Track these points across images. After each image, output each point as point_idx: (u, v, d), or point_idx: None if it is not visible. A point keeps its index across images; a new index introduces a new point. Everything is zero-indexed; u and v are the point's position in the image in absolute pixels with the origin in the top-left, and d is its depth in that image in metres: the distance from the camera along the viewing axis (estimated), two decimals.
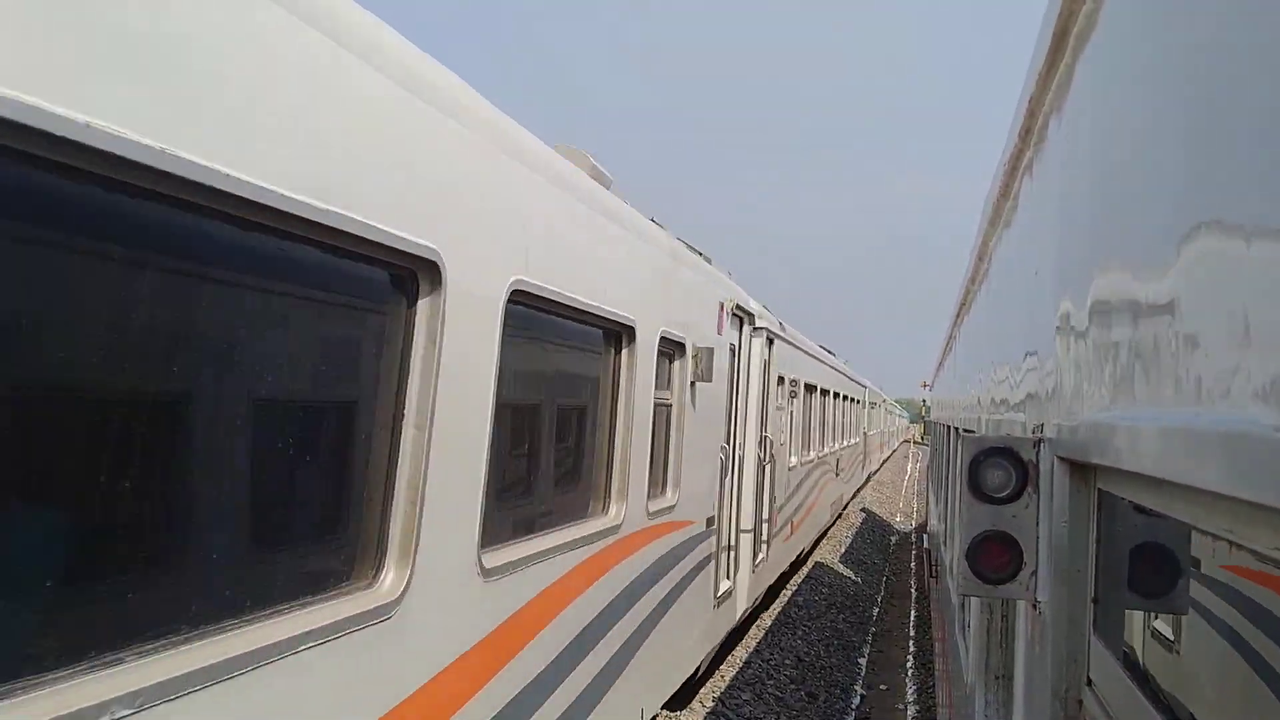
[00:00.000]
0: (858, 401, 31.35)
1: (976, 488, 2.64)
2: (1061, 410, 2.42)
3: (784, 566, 15.96)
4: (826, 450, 21.60)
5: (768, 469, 12.54)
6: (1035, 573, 2.60)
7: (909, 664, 14.35)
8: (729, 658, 12.50)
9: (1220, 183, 1.30)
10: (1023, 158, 3.52)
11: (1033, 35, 2.91)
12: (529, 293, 4.59)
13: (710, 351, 8.40)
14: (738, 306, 10.37)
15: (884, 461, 54.02)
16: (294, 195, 2.86)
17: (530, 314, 4.80)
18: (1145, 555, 2.23)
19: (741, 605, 11.71)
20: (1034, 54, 2.88)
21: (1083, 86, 2.40)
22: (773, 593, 15.65)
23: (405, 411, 3.67)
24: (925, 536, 19.74)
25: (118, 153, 2.27)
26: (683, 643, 8.70)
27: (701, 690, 11.03)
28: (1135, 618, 2.23)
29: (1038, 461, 2.61)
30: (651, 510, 7.13)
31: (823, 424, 20.92)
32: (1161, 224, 1.57)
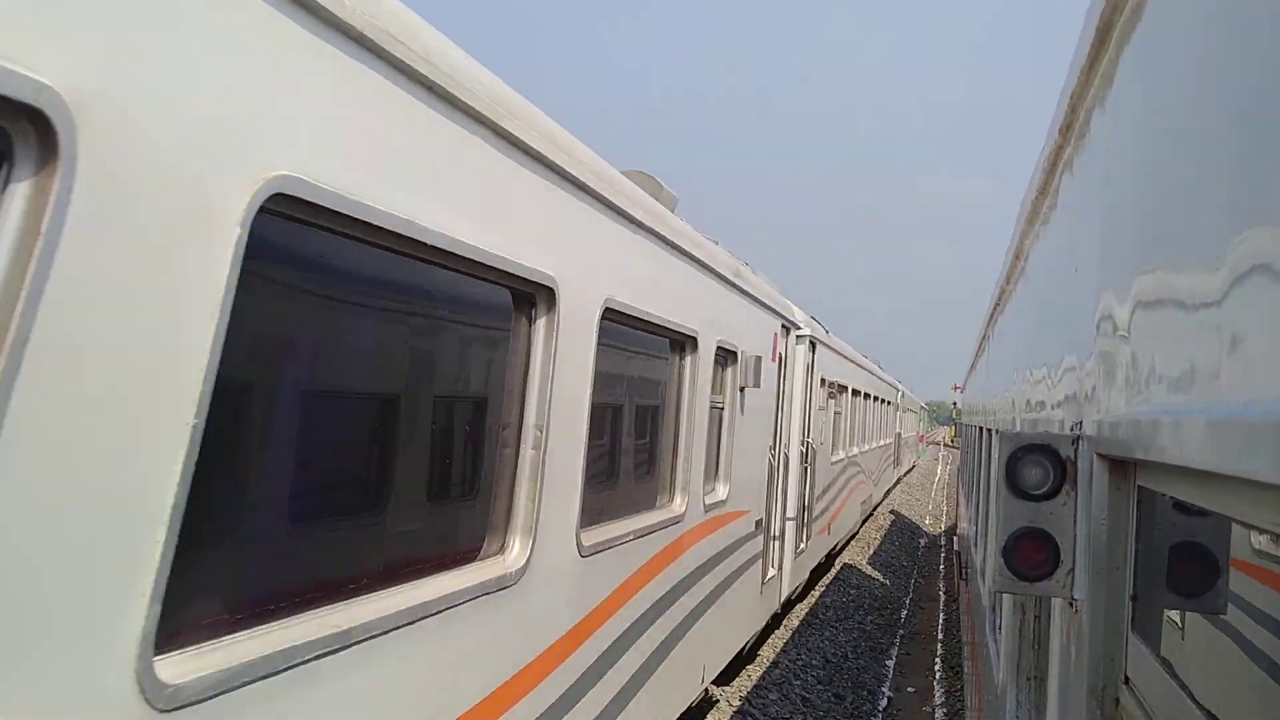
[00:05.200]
0: (890, 403, 32.67)
1: (1014, 484, 2.63)
2: (1101, 407, 2.40)
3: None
4: (863, 449, 22.87)
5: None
6: (1072, 570, 2.58)
7: (937, 667, 14.26)
8: (756, 658, 12.48)
9: (1268, 176, 1.29)
10: (1063, 154, 3.50)
11: (1070, 30, 2.89)
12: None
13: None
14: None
15: (913, 465, 54.00)
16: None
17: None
18: (1184, 554, 2.22)
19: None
20: (1076, 49, 2.86)
21: (1126, 81, 2.38)
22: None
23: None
24: (955, 539, 19.61)
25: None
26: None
27: (727, 689, 11.02)
28: (1173, 616, 2.21)
29: (1076, 458, 2.59)
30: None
31: (860, 424, 22.28)
32: (1208, 217, 1.56)
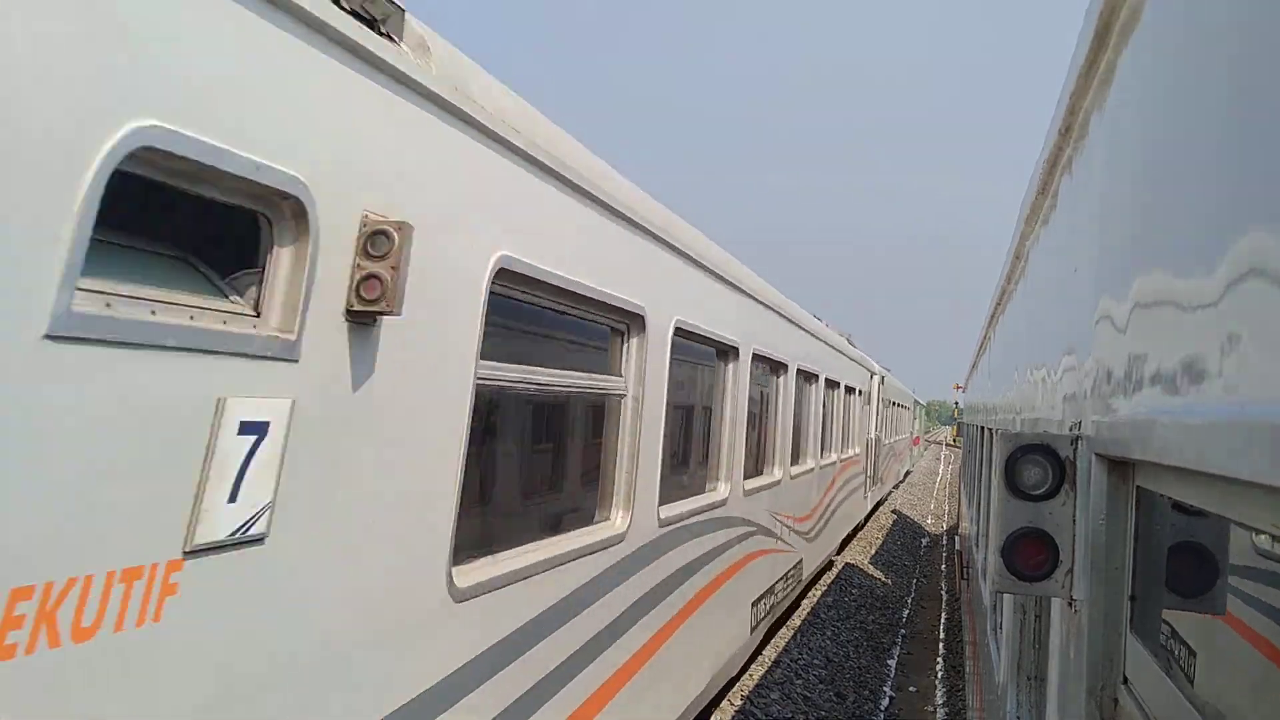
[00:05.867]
0: (907, 408, 43.78)
1: (1013, 484, 2.64)
2: (1100, 407, 2.40)
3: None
4: (895, 438, 34.09)
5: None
6: (1071, 570, 2.59)
7: (939, 666, 14.25)
8: (759, 657, 12.49)
9: (1266, 177, 1.30)
10: (1062, 155, 3.50)
11: (1068, 32, 2.89)
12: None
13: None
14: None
15: (907, 472, 54.16)
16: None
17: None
18: (1183, 554, 2.22)
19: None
20: (1075, 50, 2.86)
21: (1126, 82, 2.39)
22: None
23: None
24: (957, 539, 19.62)
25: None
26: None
27: (730, 690, 11.02)
28: (1172, 616, 2.21)
29: (1075, 458, 2.60)
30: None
31: (896, 422, 34.10)
32: (1206, 218, 1.57)
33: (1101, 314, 2.48)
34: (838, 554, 19.99)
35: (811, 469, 13.73)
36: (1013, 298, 6.79)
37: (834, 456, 15.98)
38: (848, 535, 20.81)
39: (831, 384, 15.19)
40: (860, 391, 19.56)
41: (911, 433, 48.94)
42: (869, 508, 24.69)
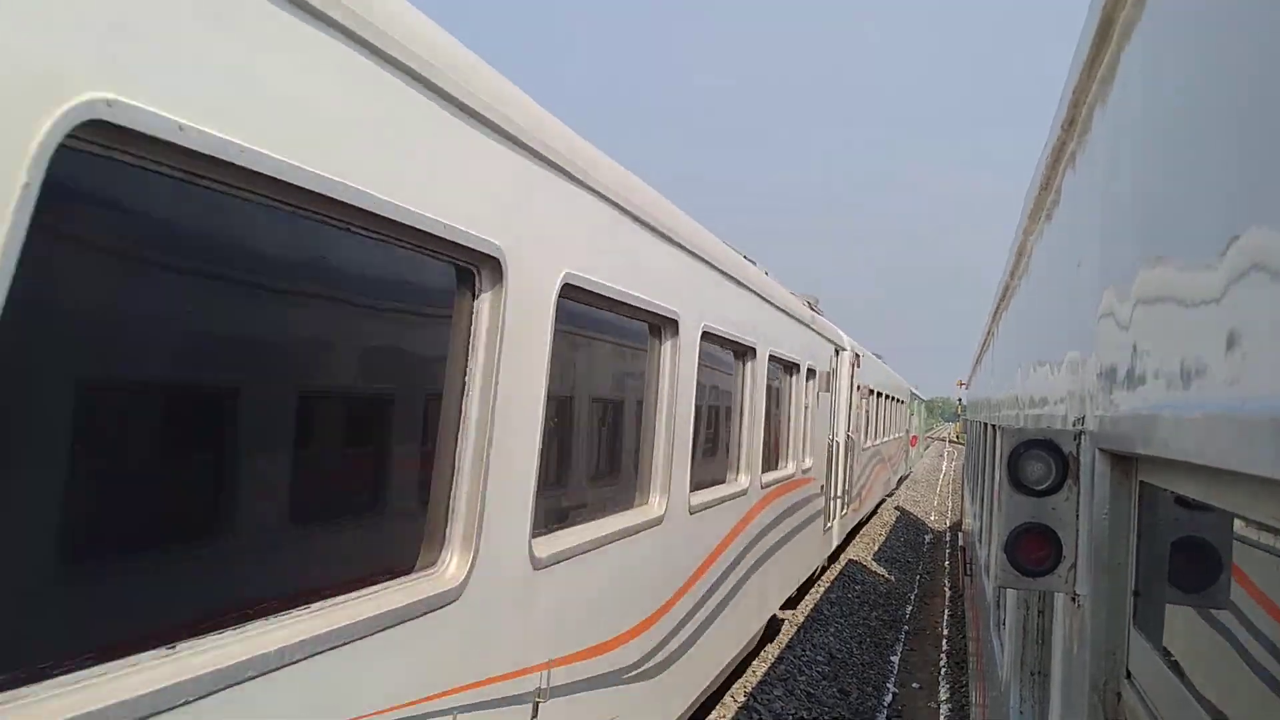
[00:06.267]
0: (903, 402, 37.01)
1: (1016, 480, 2.64)
2: (1104, 402, 2.40)
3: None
4: (884, 439, 27.50)
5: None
6: (1075, 565, 2.59)
7: (942, 663, 14.26)
8: (761, 653, 12.49)
9: (1269, 171, 1.29)
10: (1065, 149, 3.50)
11: (1074, 24, 2.89)
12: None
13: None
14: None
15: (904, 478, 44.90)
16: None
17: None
18: (1186, 549, 2.22)
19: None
20: (1078, 43, 2.86)
21: (1128, 76, 2.38)
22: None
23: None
24: (960, 535, 19.60)
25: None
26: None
27: (733, 685, 11.03)
28: (1176, 611, 2.21)
29: (1078, 454, 2.60)
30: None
31: (883, 418, 26.81)
32: (1210, 212, 1.56)
33: (1105, 309, 2.47)
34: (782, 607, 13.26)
35: (668, 517, 6.78)
36: (1016, 293, 6.79)
37: (746, 481, 9.20)
38: (797, 590, 14.19)
39: (742, 351, 8.99)
40: (816, 373, 13.14)
41: (909, 431, 42.00)
42: (834, 544, 17.40)
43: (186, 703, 2.36)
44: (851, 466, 18.62)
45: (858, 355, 18.56)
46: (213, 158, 2.37)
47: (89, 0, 2.10)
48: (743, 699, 10.73)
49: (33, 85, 1.97)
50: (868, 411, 22.02)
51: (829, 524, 16.14)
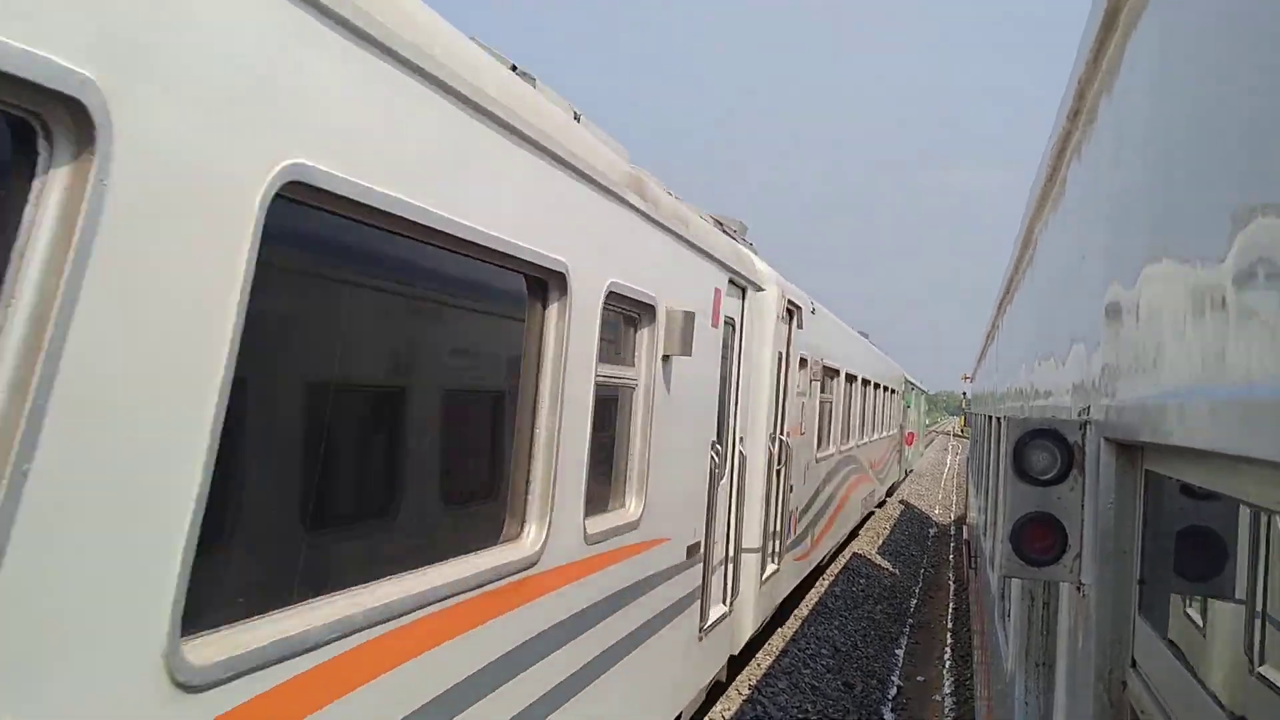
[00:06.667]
0: (893, 391, 28.71)
1: (1021, 470, 2.64)
2: (1109, 391, 2.40)
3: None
4: (865, 440, 20.81)
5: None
6: (1080, 555, 2.59)
7: (946, 656, 14.27)
8: (765, 645, 12.51)
9: (1276, 161, 1.30)
10: (1071, 140, 3.49)
11: (1079, 16, 2.89)
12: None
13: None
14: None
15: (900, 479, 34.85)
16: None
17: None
18: (1192, 538, 2.22)
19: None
20: (1083, 33, 2.85)
21: (1135, 66, 2.38)
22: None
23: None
24: (964, 528, 19.59)
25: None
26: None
27: (738, 679, 11.05)
28: (1182, 600, 2.22)
29: (1083, 443, 2.60)
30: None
31: (860, 414, 19.96)
32: (1215, 202, 1.56)
33: (1110, 299, 2.47)
34: None
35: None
36: (1021, 286, 6.78)
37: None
38: None
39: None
40: (681, 322, 6.44)
41: (903, 428, 33.50)
42: (730, 650, 9.43)
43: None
44: (787, 491, 11.36)
45: (793, 305, 11.07)
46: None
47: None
48: (747, 692, 10.75)
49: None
50: (830, 401, 15.37)
51: (708, 622, 8.05)
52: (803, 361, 11.99)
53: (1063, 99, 3.40)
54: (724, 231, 8.90)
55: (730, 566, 8.91)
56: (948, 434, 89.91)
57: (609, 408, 5.80)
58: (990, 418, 10.18)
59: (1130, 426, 2.10)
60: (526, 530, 4.52)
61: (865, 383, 20.39)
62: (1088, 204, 3.13)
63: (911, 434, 38.92)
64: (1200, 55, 1.78)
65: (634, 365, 6.15)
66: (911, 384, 39.71)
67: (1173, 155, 1.96)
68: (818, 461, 13.86)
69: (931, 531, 28.12)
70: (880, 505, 27.41)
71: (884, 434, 25.72)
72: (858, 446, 19.30)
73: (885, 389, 25.72)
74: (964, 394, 32.92)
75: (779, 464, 10.71)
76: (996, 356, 10.71)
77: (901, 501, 32.44)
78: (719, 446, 8.14)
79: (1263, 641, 1.72)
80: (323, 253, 3.33)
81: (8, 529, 1.97)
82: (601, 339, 5.20)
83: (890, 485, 30.25)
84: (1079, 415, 2.83)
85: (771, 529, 10.72)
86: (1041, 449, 2.62)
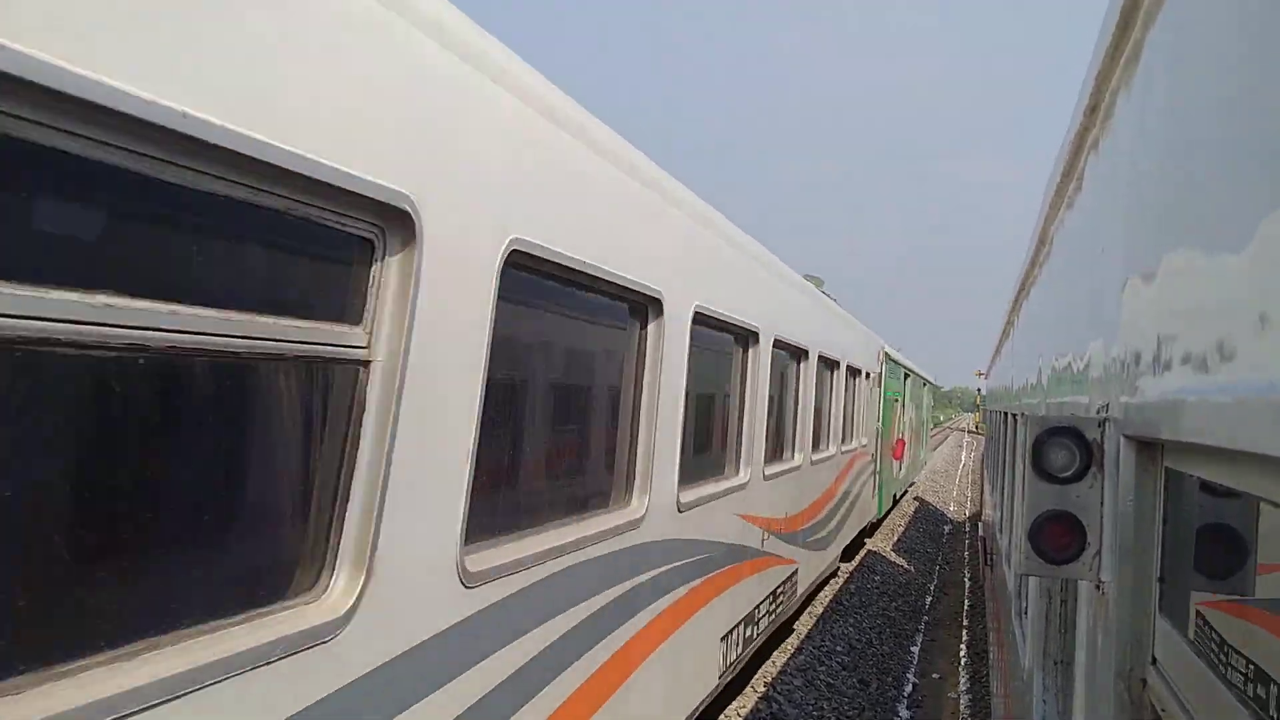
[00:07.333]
0: (860, 374, 23.08)
1: (1040, 468, 2.63)
2: (1128, 388, 2.39)
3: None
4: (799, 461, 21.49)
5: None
6: (1099, 553, 2.58)
7: (962, 653, 14.23)
8: (781, 645, 12.50)
9: None
10: (1088, 135, 3.47)
11: (1095, 9, 2.87)
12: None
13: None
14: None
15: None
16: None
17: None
18: (1211, 536, 2.21)
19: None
20: (1101, 28, 2.84)
21: (1153, 61, 2.37)
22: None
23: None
24: (980, 525, 19.52)
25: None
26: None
27: (753, 677, 11.04)
28: (1203, 597, 2.21)
29: (1102, 440, 2.58)
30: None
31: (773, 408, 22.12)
32: (1235, 196, 1.55)
33: (1129, 294, 2.46)
34: None
35: None
36: (1037, 281, 6.75)
37: None
38: None
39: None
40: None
41: (879, 432, 20.92)
42: None
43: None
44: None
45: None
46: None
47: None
48: (762, 689, 10.75)
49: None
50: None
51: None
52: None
53: (1079, 94, 3.39)
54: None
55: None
56: (962, 430, 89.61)
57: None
58: (1006, 414, 10.14)
59: (1150, 424, 2.09)
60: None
61: (850, 366, 15.11)
62: (1106, 199, 3.11)
63: (901, 441, 25.87)
64: (1220, 47, 1.76)
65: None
66: (907, 371, 27.15)
67: (1193, 149, 1.95)
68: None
69: (946, 529, 28.03)
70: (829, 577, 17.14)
71: (835, 450, 14.55)
72: (779, 480, 10.26)
73: (842, 370, 14.65)
74: (978, 390, 32.46)
75: None
76: (1012, 352, 10.67)
77: (916, 498, 32.34)
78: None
79: None
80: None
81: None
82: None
83: (855, 536, 18.58)
84: (1098, 412, 2.82)
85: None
86: (1060, 447, 2.61)
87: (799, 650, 12.46)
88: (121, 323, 2.21)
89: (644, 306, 5.78)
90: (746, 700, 10.31)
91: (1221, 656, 1.92)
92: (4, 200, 2.07)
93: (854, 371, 15.88)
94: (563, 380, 5.38)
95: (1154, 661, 2.26)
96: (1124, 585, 2.38)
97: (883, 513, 23.28)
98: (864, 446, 18.00)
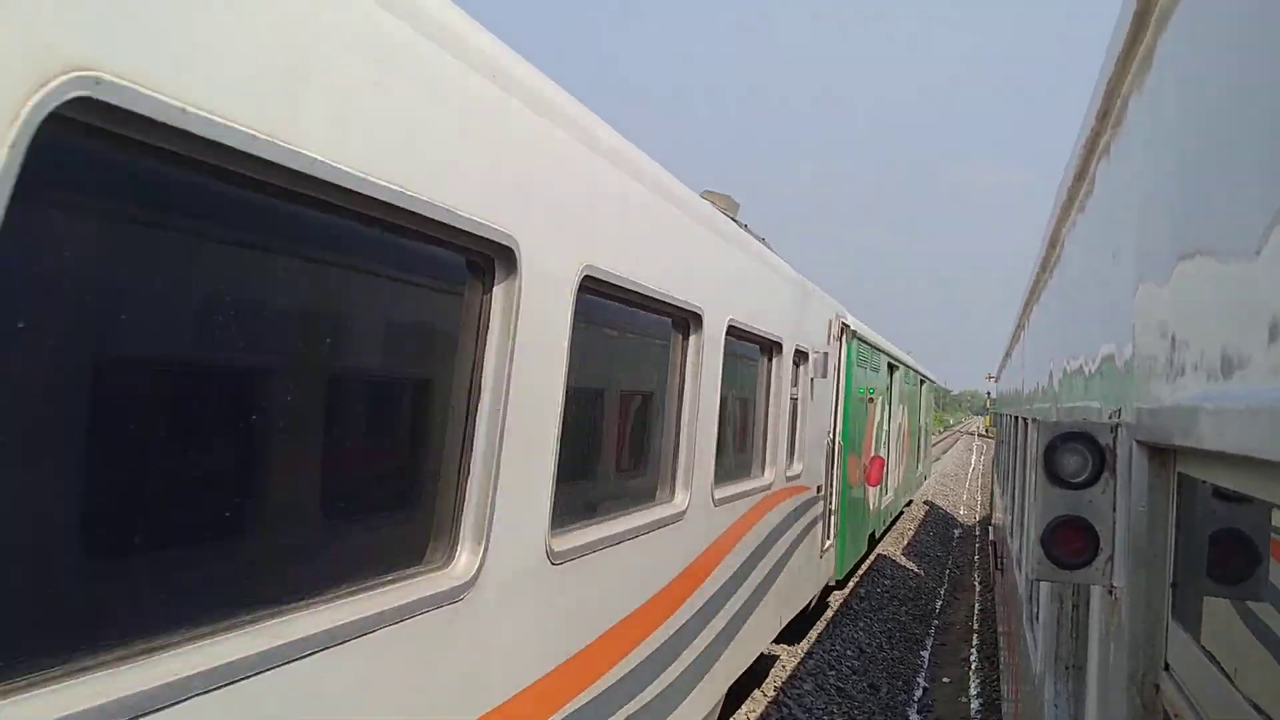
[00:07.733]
0: (818, 374, 18.75)
1: (1052, 473, 2.63)
2: (1141, 394, 2.39)
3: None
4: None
5: None
6: (1111, 558, 2.58)
7: (972, 657, 14.19)
8: (792, 649, 12.48)
9: None
10: (1100, 140, 3.47)
11: (1108, 15, 2.87)
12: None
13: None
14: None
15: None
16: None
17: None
18: (1224, 541, 2.21)
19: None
20: (1113, 33, 2.84)
21: (1165, 67, 2.37)
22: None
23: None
24: (990, 529, 19.46)
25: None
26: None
27: (764, 681, 11.03)
28: (1216, 603, 2.20)
29: (1115, 446, 2.58)
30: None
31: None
32: (1248, 202, 1.56)
33: (1142, 300, 2.46)
34: None
35: None
36: (1048, 286, 6.74)
37: None
38: None
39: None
40: None
41: (834, 442, 13.26)
42: None
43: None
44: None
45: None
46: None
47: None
48: (773, 694, 10.74)
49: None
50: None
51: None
52: None
53: (1091, 99, 3.39)
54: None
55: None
56: (972, 434, 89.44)
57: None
58: (1017, 418, 10.12)
59: (1163, 430, 2.09)
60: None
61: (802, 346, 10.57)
62: (1118, 204, 3.11)
63: (879, 459, 18.22)
64: (1232, 52, 1.77)
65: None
66: (876, 350, 17.85)
67: (1205, 154, 1.95)
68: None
69: (956, 532, 27.96)
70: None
71: (761, 484, 9.04)
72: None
73: (764, 343, 9.12)
74: (988, 394, 32.43)
75: None
76: (1023, 357, 10.64)
77: (926, 502, 32.27)
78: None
79: None
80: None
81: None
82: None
83: (779, 625, 10.67)
84: (1110, 418, 2.82)
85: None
86: (1073, 452, 2.61)
87: (809, 654, 12.45)
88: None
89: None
90: (756, 705, 10.31)
91: (1235, 662, 1.91)
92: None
93: (774, 349, 9.30)
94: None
95: (1167, 667, 2.26)
96: (1137, 590, 2.38)
97: (843, 572, 15.23)
98: (794, 478, 10.62)
